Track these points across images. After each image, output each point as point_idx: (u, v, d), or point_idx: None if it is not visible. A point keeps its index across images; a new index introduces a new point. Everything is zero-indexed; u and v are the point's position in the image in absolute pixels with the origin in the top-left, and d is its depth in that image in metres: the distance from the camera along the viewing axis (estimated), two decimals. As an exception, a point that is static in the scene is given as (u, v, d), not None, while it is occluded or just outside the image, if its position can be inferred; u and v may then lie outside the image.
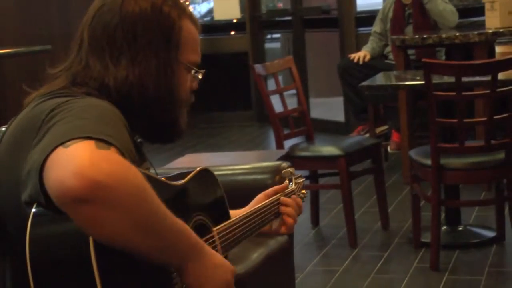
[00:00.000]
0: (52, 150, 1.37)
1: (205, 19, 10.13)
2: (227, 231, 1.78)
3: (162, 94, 1.69)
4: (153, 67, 1.67)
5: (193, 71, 1.76)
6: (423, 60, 3.71)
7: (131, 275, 1.46)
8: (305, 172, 4.72)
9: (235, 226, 1.81)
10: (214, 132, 8.08)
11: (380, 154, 4.58)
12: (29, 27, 4.96)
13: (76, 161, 1.34)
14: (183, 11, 1.74)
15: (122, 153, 1.42)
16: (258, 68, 4.39)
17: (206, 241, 1.68)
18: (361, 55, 6.19)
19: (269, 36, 11.91)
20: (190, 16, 1.76)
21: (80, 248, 1.39)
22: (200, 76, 1.80)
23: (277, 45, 11.70)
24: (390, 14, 6.08)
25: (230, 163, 3.25)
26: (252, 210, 1.91)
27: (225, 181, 2.91)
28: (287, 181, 2.13)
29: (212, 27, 8.98)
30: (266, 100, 4.38)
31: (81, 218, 1.36)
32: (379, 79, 4.48)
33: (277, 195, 2.02)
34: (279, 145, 4.39)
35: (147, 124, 1.72)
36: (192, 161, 3.58)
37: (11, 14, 4.86)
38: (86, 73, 1.68)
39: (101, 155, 1.36)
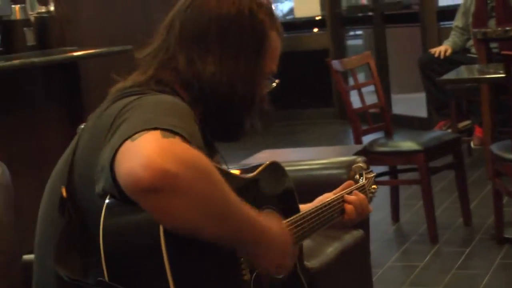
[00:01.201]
0: (121, 145, 1.41)
1: (288, 17, 10.15)
2: (296, 224, 1.80)
3: (247, 95, 1.71)
4: (242, 69, 1.70)
5: (269, 80, 1.79)
6: (503, 52, 3.65)
7: (200, 262, 1.49)
8: (384, 168, 4.70)
9: (304, 220, 1.83)
10: (295, 129, 8.10)
11: (461, 149, 4.52)
12: (112, 28, 5.08)
13: (144, 151, 1.37)
14: (274, 22, 1.77)
15: (188, 142, 1.44)
16: (336, 64, 4.39)
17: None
18: (442, 49, 6.11)
19: (352, 33, 11.88)
20: (278, 27, 1.79)
21: (151, 236, 1.43)
22: (274, 85, 1.82)
23: (359, 41, 11.66)
24: (472, 8, 5.99)
25: (305, 159, 3.26)
26: (319, 205, 1.92)
27: (300, 176, 2.95)
28: (357, 176, 2.14)
29: (293, 25, 9.01)
30: (344, 96, 4.38)
31: (152, 207, 1.39)
32: (459, 73, 4.42)
33: (342, 192, 2.03)
34: (357, 141, 4.38)
35: (218, 122, 1.74)
36: (268, 157, 3.60)
37: (95, 16, 4.98)
38: (170, 64, 1.70)
39: (167, 143, 1.39)
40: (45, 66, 4.16)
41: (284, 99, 8.69)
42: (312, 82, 8.50)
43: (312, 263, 2.71)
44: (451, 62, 5.92)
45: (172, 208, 1.39)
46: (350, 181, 2.09)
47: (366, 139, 4.59)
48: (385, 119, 4.59)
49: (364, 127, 4.59)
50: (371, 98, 4.76)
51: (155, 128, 1.42)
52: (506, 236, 4.12)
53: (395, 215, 4.71)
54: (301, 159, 3.29)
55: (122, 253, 1.47)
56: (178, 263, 1.44)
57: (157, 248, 1.42)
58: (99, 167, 1.48)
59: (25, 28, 4.46)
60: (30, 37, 4.48)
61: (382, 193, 4.84)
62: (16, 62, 3.80)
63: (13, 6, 4.42)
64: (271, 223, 1.61)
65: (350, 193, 2.04)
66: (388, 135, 4.57)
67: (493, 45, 5.60)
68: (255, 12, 1.72)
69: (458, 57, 6.03)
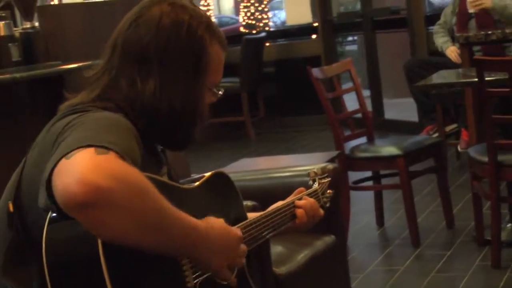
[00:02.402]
0: (57, 163, 1.48)
1: (286, 25, 10.21)
2: (244, 230, 1.85)
3: (187, 112, 1.78)
4: (181, 87, 1.76)
5: (214, 89, 1.84)
6: (475, 57, 3.71)
7: (140, 272, 1.55)
8: (367, 173, 4.76)
9: (251, 227, 1.88)
10: (288, 137, 8.16)
11: (443, 153, 4.57)
12: (97, 42, 5.13)
13: (77, 168, 1.44)
14: (215, 35, 1.81)
15: (122, 157, 1.50)
16: (316, 71, 4.45)
17: None
18: (454, 52, 6.06)
19: (350, 39, 11.94)
20: (219, 38, 1.83)
21: (90, 249, 1.49)
22: (220, 93, 1.87)
23: (354, 47, 11.72)
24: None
25: (279, 166, 3.33)
26: (267, 212, 1.98)
27: (270, 184, 3.02)
28: (311, 182, 2.20)
29: (288, 32, 9.08)
30: (324, 103, 4.44)
31: (87, 222, 1.46)
32: (436, 77, 4.48)
33: (293, 197, 2.09)
34: (338, 147, 4.44)
35: (165, 135, 1.81)
36: (246, 165, 3.67)
37: (80, 31, 5.04)
38: (115, 83, 1.77)
39: (100, 159, 1.45)
40: (30, 80, 4.23)
41: (278, 106, 8.76)
42: (305, 89, 8.55)
43: (281, 269, 2.77)
44: (434, 65, 5.96)
45: (107, 222, 1.45)
46: (301, 188, 2.14)
47: (354, 143, 4.65)
48: (367, 125, 4.65)
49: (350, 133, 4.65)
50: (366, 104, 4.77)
51: (90, 145, 1.49)
52: (488, 238, 4.16)
53: (380, 220, 4.77)
54: (275, 166, 3.36)
55: (64, 265, 1.53)
56: (117, 274, 1.50)
57: (96, 260, 1.49)
58: (41, 186, 1.54)
59: (10, 44, 4.53)
60: (15, 53, 4.55)
61: (368, 198, 4.91)
62: (-3, 78, 3.87)
63: (-3, 23, 4.50)
64: (213, 223, 1.67)
65: (301, 198, 2.09)
66: (370, 140, 4.62)
67: (476, 48, 5.66)
68: (194, 29, 1.77)
69: (441, 60, 6.07)
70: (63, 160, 1.47)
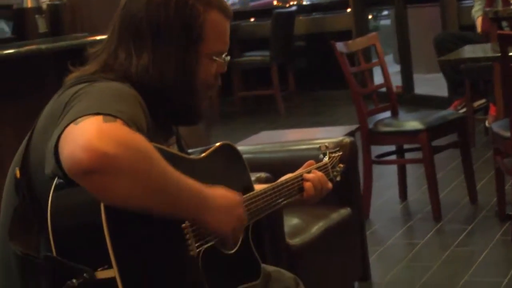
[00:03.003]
0: (65, 129, 1.51)
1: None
2: (249, 202, 1.87)
3: (179, 86, 1.78)
4: (172, 61, 1.77)
5: (219, 58, 1.83)
6: (498, 32, 3.68)
7: (142, 238, 1.58)
8: (391, 147, 4.76)
9: (257, 198, 1.90)
10: (318, 111, 8.16)
11: (466, 128, 4.55)
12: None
13: (84, 135, 1.47)
14: (210, 3, 1.80)
15: (129, 125, 1.53)
16: (340, 46, 4.44)
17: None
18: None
19: (385, 13, 11.84)
20: (219, 6, 1.82)
21: (93, 216, 1.52)
22: (227, 59, 1.88)
23: (388, 22, 11.63)
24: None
25: (297, 139, 3.35)
26: (276, 183, 2.01)
27: (285, 157, 3.04)
28: (321, 155, 2.22)
29: (317, 6, 9.05)
30: (348, 77, 4.43)
31: (93, 187, 1.49)
32: (463, 52, 4.45)
33: (302, 170, 2.11)
34: (362, 121, 4.44)
35: (168, 110, 1.83)
36: (265, 138, 3.70)
37: (106, 2, 5.07)
38: (113, 59, 1.80)
39: (107, 127, 1.48)
40: (55, 52, 4.28)
41: (308, 80, 8.76)
42: (336, 63, 8.52)
43: (294, 240, 2.81)
44: (466, 40, 5.92)
45: (112, 188, 1.48)
46: (311, 161, 2.16)
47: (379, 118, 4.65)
48: (391, 99, 4.64)
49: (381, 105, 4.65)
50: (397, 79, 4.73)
51: (97, 113, 1.52)
52: (509, 213, 4.16)
53: (403, 194, 4.77)
54: (294, 140, 3.38)
55: (68, 231, 1.57)
56: (120, 241, 1.53)
57: (99, 226, 1.52)
58: (47, 150, 1.58)
59: (37, 16, 4.59)
60: (42, 25, 4.61)
61: (394, 173, 4.91)
62: (23, 49, 3.93)
63: (24, -5, 4.56)
64: (217, 189, 1.70)
65: (310, 172, 2.11)
66: (394, 115, 4.62)
67: (504, 23, 5.60)
68: (184, 0, 1.76)
69: (471, 35, 6.02)
70: (71, 125, 1.50)
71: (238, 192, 1.83)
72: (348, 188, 3.11)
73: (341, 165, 2.28)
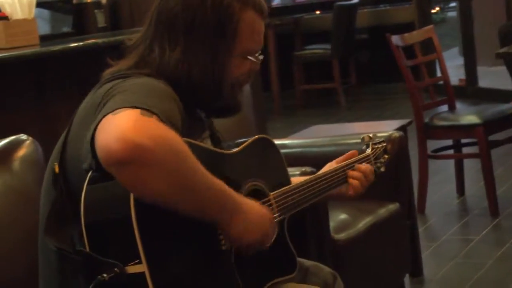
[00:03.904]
0: (102, 119, 1.54)
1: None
2: (284, 195, 1.87)
3: (206, 82, 1.79)
4: (201, 59, 1.78)
5: (252, 57, 1.84)
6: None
7: (172, 233, 1.60)
8: (449, 142, 4.70)
9: (293, 192, 1.90)
10: (379, 104, 8.11)
11: (526, 122, 4.47)
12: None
13: (120, 126, 1.50)
14: (246, 2, 1.81)
15: (163, 122, 1.55)
16: (396, 39, 4.40)
17: (262, 204, 1.78)
18: None
19: (452, 5, 11.68)
20: (254, 5, 1.82)
21: (124, 210, 1.54)
22: (261, 58, 1.89)
23: (455, 13, 11.47)
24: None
25: (346, 134, 3.34)
26: (315, 176, 2.00)
27: (332, 151, 3.03)
28: (364, 147, 2.20)
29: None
30: (403, 71, 4.40)
31: (124, 179, 1.51)
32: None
33: (346, 161, 2.10)
34: (417, 115, 4.40)
35: (197, 103, 1.85)
36: (316, 132, 3.69)
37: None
38: (148, 53, 1.83)
39: (143, 121, 1.51)
40: (113, 46, 4.34)
41: (370, 73, 8.70)
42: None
43: (340, 235, 2.80)
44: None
45: (144, 180, 1.50)
46: (354, 151, 2.15)
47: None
48: (448, 93, 4.58)
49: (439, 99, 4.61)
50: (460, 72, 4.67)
51: (135, 107, 1.55)
52: None
53: (460, 189, 4.71)
54: (343, 134, 3.37)
55: (100, 224, 1.60)
56: (149, 234, 1.55)
57: (129, 221, 1.54)
58: (85, 142, 1.61)
59: (96, 10, 4.66)
60: (101, 19, 4.68)
61: (451, 167, 4.85)
62: (80, 43, 3.99)
63: (84, -10, 4.63)
64: (251, 200, 1.71)
65: (354, 166, 2.10)
66: (451, 108, 4.56)
67: None
68: None
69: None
70: (109, 116, 1.53)
71: (273, 185, 1.84)
72: (396, 183, 3.09)
73: (386, 156, 2.25)
